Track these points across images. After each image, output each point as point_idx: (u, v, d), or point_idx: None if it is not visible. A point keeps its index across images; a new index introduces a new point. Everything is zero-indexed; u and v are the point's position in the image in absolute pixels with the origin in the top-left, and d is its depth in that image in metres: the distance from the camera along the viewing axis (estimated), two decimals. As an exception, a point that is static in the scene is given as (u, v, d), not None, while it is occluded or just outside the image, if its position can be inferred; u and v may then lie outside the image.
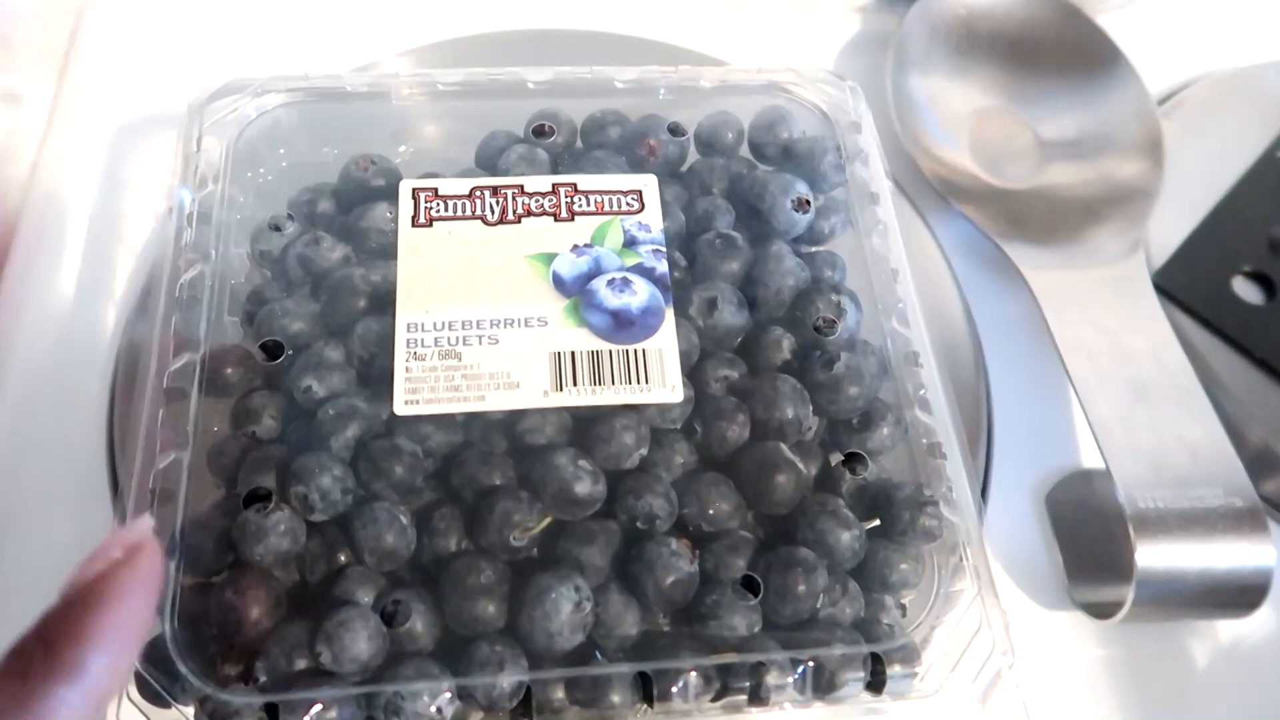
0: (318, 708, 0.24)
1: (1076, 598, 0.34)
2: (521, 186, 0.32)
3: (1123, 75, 0.43)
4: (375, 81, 0.35)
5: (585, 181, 0.33)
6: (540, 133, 0.34)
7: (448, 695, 0.25)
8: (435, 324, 0.30)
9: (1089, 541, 0.34)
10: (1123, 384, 0.34)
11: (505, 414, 0.29)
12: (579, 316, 0.30)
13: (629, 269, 0.31)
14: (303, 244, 0.31)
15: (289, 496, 0.27)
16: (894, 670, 0.26)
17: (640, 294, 0.31)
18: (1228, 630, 0.34)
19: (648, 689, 0.25)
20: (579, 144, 0.35)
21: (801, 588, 0.27)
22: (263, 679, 0.25)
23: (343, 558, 0.27)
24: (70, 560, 0.32)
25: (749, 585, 0.27)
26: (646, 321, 0.30)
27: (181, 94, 0.34)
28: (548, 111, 0.35)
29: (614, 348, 0.30)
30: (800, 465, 0.29)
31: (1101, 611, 0.33)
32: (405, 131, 0.36)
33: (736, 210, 0.34)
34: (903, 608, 0.29)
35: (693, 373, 0.30)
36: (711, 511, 0.28)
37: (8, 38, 0.41)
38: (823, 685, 0.26)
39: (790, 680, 0.26)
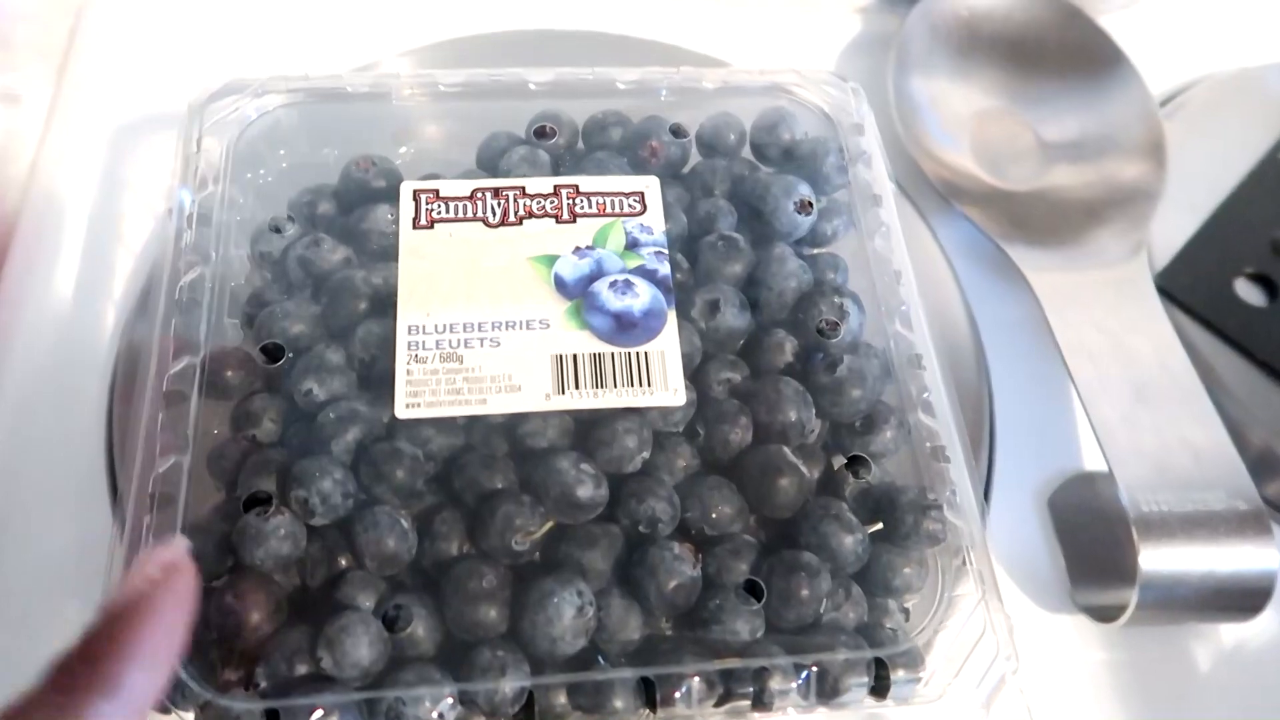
0: (319, 713, 0.24)
1: (1079, 601, 0.34)
2: (523, 188, 0.32)
3: (1125, 77, 0.43)
4: (376, 82, 0.35)
5: (587, 183, 0.33)
6: (542, 134, 0.34)
7: (449, 700, 0.25)
8: (436, 326, 0.30)
9: (1091, 544, 0.34)
10: (1125, 386, 0.34)
11: (507, 417, 0.29)
12: (581, 319, 0.30)
13: (631, 271, 0.31)
14: (303, 246, 0.31)
15: (289, 500, 0.27)
16: (898, 675, 0.26)
17: (642, 296, 0.30)
18: (1231, 634, 0.34)
19: (650, 694, 0.25)
20: (580, 145, 0.35)
21: (804, 592, 0.27)
22: (263, 684, 0.25)
23: (343, 562, 0.27)
24: (69, 561, 0.32)
25: (752, 589, 0.27)
26: (648, 324, 0.30)
27: (181, 94, 0.34)
28: (549, 112, 0.35)
29: (616, 350, 0.29)
30: (803, 468, 0.29)
31: (1104, 615, 0.33)
32: (406, 132, 0.36)
33: (738, 212, 0.34)
34: (906, 612, 0.29)
35: (695, 375, 0.30)
36: (714, 515, 0.28)
37: (7, 37, 0.41)
38: (826, 690, 0.26)
39: (794, 685, 0.26)
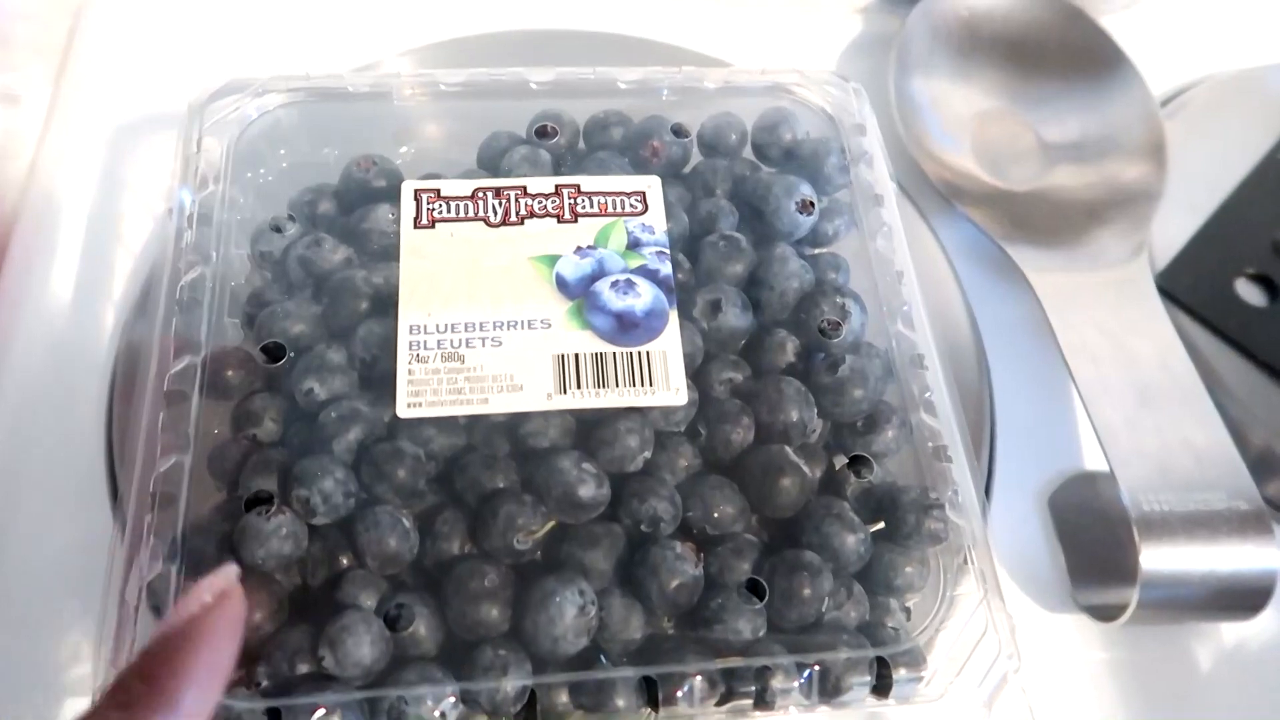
0: (321, 712, 0.24)
1: (1080, 600, 0.34)
2: (524, 188, 0.32)
3: (1126, 77, 0.43)
4: (377, 82, 0.35)
5: (588, 183, 0.33)
6: (543, 133, 0.34)
7: (451, 700, 0.25)
8: (438, 326, 0.30)
9: (1092, 544, 0.34)
10: (1126, 387, 0.34)
11: (508, 417, 0.29)
12: (582, 319, 0.30)
13: (633, 271, 0.31)
14: (304, 245, 0.31)
15: (291, 500, 0.26)
16: (900, 674, 0.26)
17: (644, 296, 0.30)
18: (1232, 633, 0.34)
19: (652, 693, 0.25)
20: (582, 145, 0.35)
21: (806, 591, 0.27)
22: (265, 683, 0.25)
23: (345, 561, 0.27)
24: (69, 561, 0.32)
25: (754, 589, 0.27)
26: (650, 324, 0.30)
27: (180, 94, 0.34)
28: (550, 112, 0.35)
29: (618, 350, 0.29)
30: (805, 468, 0.29)
31: (1105, 614, 0.33)
32: (407, 132, 0.36)
33: (740, 212, 0.34)
34: (908, 611, 0.29)
35: (697, 375, 0.30)
36: (716, 515, 0.28)
37: (6, 36, 0.41)
38: (828, 689, 0.26)
39: (796, 684, 0.26)
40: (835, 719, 0.26)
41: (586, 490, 0.27)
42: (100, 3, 0.45)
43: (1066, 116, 0.43)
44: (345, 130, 0.35)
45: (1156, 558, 0.30)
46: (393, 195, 0.32)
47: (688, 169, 0.35)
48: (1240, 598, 0.31)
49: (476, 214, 0.32)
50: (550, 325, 0.30)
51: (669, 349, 0.30)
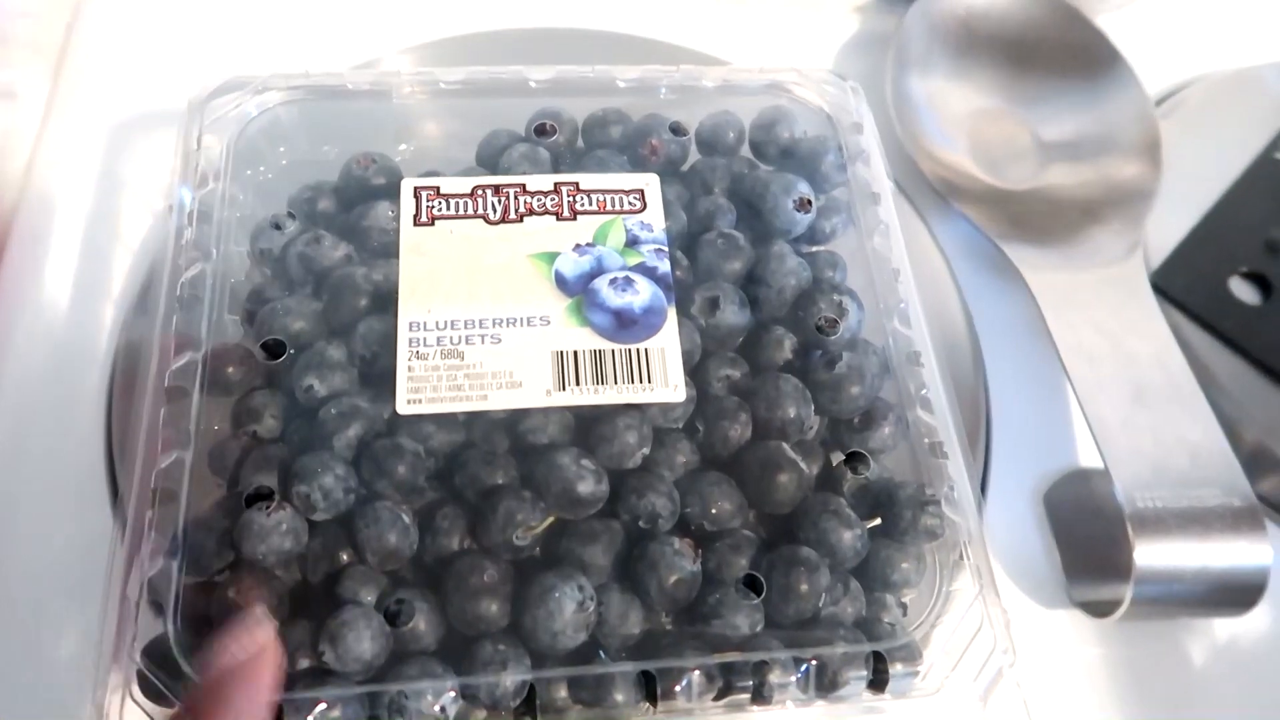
0: (321, 707, 0.24)
1: (1075, 596, 0.34)
2: (523, 185, 0.32)
3: (1121, 77, 0.43)
4: (376, 80, 0.35)
5: (587, 180, 0.33)
6: (542, 131, 0.34)
7: (451, 694, 0.25)
8: (437, 323, 0.30)
9: (1087, 540, 0.35)
10: (1122, 385, 0.34)
11: (508, 413, 0.29)
12: (581, 316, 0.30)
13: (631, 268, 0.31)
14: (304, 242, 0.31)
15: (291, 496, 0.27)
16: (896, 669, 0.26)
17: (642, 293, 0.31)
18: (1225, 628, 0.34)
19: (651, 688, 0.26)
20: (580, 143, 0.35)
21: (804, 587, 0.27)
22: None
23: (345, 557, 0.27)
24: (68, 560, 0.32)
25: (751, 584, 0.27)
26: (649, 321, 0.30)
27: (178, 91, 0.34)
28: (549, 110, 0.35)
29: (616, 347, 0.30)
30: (802, 465, 0.29)
31: (1100, 610, 0.33)
32: (406, 130, 0.36)
33: (737, 210, 0.34)
34: (904, 606, 0.29)
35: (695, 372, 0.30)
36: (714, 511, 0.28)
37: (4, 33, 0.41)
38: (825, 684, 0.26)
39: (793, 679, 0.26)
40: (832, 713, 0.27)
41: (585, 486, 0.27)
42: (99, 0, 0.45)
43: (1062, 115, 0.43)
44: (345, 128, 0.35)
45: (1150, 554, 0.31)
46: (392, 193, 0.32)
47: (686, 167, 0.35)
48: (1233, 594, 0.32)
49: (476, 211, 0.32)
50: (549, 322, 0.30)
51: (667, 346, 0.30)
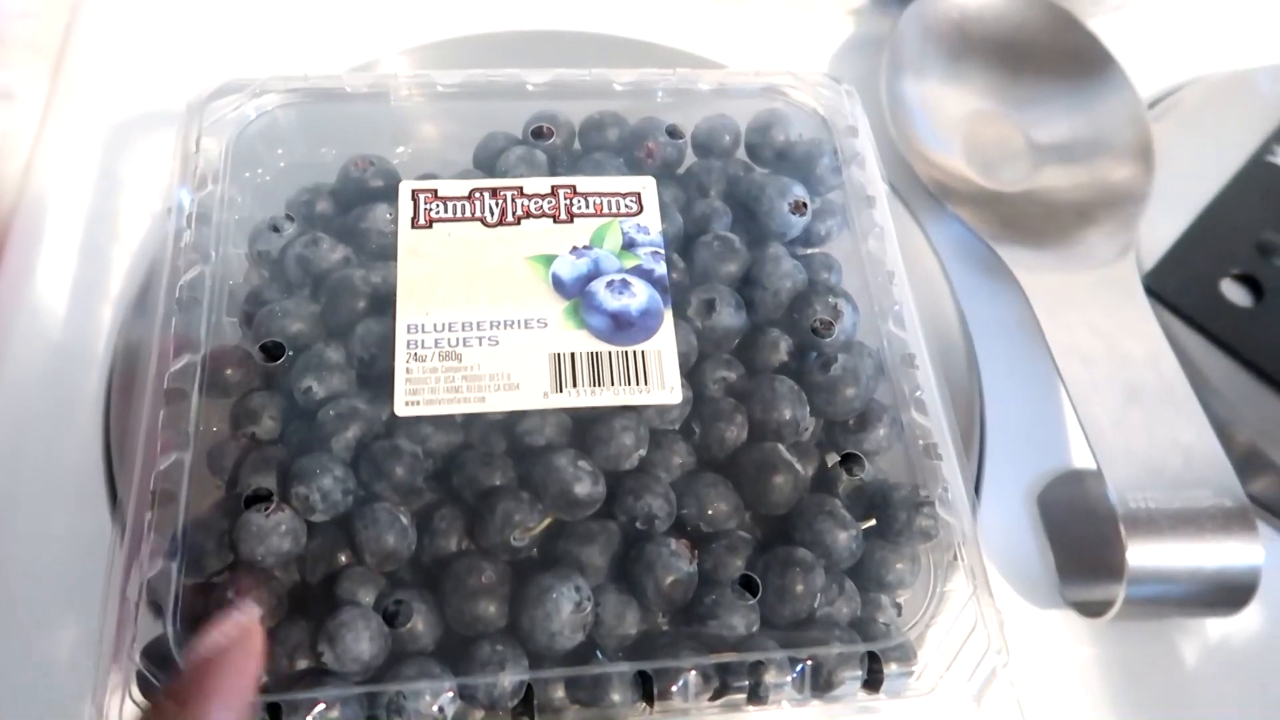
0: (320, 707, 0.24)
1: (1068, 596, 0.34)
2: (521, 188, 0.33)
3: (1114, 80, 0.44)
4: (374, 82, 0.35)
5: (584, 183, 0.33)
6: (539, 134, 0.35)
7: (449, 695, 0.25)
8: (435, 325, 0.30)
9: (1080, 541, 0.35)
10: (1115, 386, 0.34)
11: (505, 415, 0.29)
12: (578, 318, 0.30)
13: (628, 271, 0.31)
14: (302, 245, 0.32)
15: (290, 497, 0.27)
16: (890, 669, 0.27)
17: (639, 296, 0.31)
18: (1217, 628, 0.34)
19: (648, 688, 0.26)
20: (577, 146, 0.36)
21: (799, 587, 0.27)
22: (265, 679, 0.25)
23: (343, 558, 0.27)
24: (67, 562, 0.32)
25: (747, 585, 0.27)
26: (645, 323, 0.30)
27: (176, 93, 0.34)
28: (546, 113, 0.35)
29: (613, 349, 0.30)
30: (798, 466, 0.29)
31: (1092, 610, 0.33)
32: (404, 132, 0.36)
33: (733, 213, 0.34)
34: (898, 607, 0.29)
35: (691, 374, 0.31)
36: (710, 512, 0.28)
37: (2, 34, 0.41)
38: (820, 684, 0.26)
39: (789, 679, 0.26)
40: (827, 713, 0.27)
41: (582, 488, 0.27)
42: (97, 1, 0.45)
43: (1056, 118, 0.44)
44: (343, 130, 0.35)
45: (1143, 554, 0.31)
46: (390, 195, 0.32)
47: (682, 170, 0.35)
48: (1225, 594, 0.32)
49: (473, 214, 0.32)
50: (546, 325, 0.30)
51: (664, 348, 0.30)
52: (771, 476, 0.29)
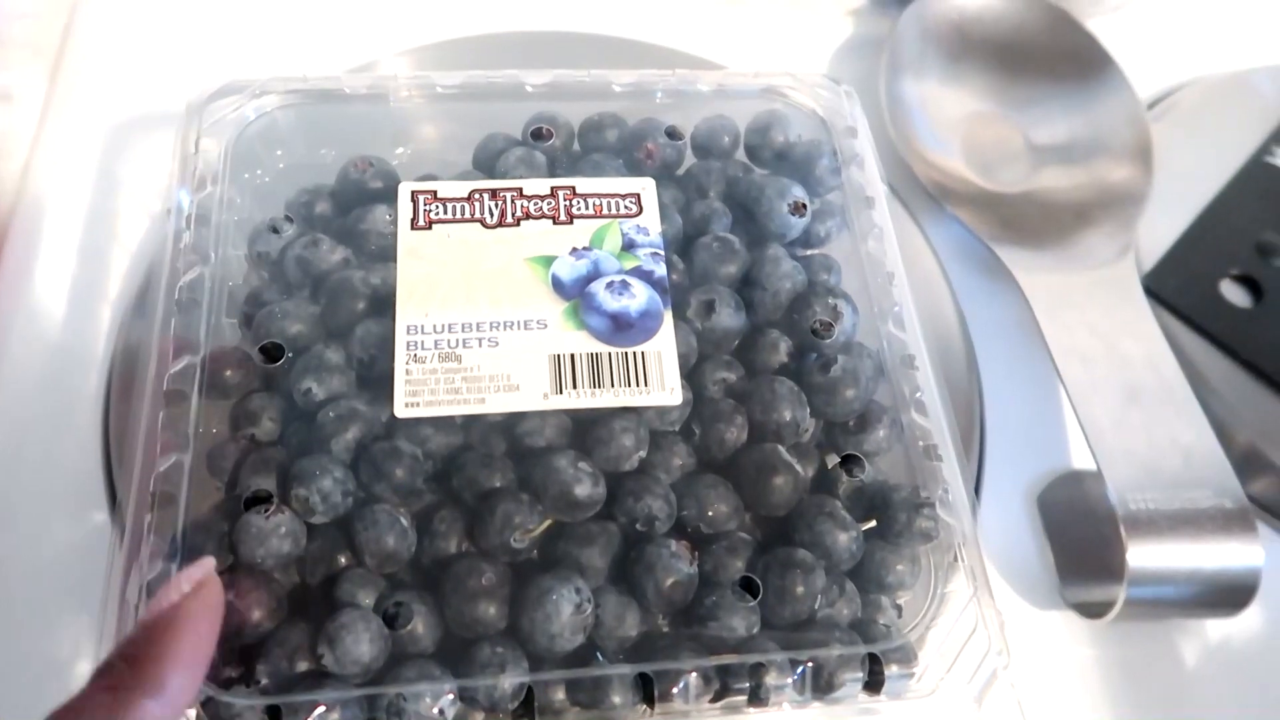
0: (320, 709, 0.24)
1: (1068, 597, 0.34)
2: (520, 189, 0.33)
3: (1113, 81, 0.44)
4: (374, 83, 0.35)
5: (584, 184, 0.33)
6: (538, 135, 0.35)
7: (450, 696, 0.25)
8: (435, 326, 0.30)
9: (1080, 542, 0.35)
10: (1114, 386, 0.34)
11: (505, 416, 0.29)
12: (578, 319, 0.30)
13: (628, 272, 0.31)
14: (301, 246, 0.31)
15: (290, 498, 0.27)
16: (891, 670, 0.27)
17: (639, 297, 0.31)
18: (1217, 629, 0.34)
19: (648, 690, 0.26)
20: (577, 147, 0.36)
21: (800, 589, 0.27)
22: (264, 681, 0.25)
23: (343, 560, 0.27)
24: (65, 563, 0.32)
25: (748, 586, 0.27)
26: (645, 324, 0.30)
27: (175, 94, 0.34)
28: (546, 114, 0.35)
29: (613, 350, 0.30)
30: (798, 467, 0.29)
31: (1093, 611, 0.33)
32: (403, 133, 0.36)
33: (733, 214, 0.34)
34: (899, 608, 0.29)
35: (691, 375, 0.31)
36: (710, 513, 0.28)
37: (1, 35, 0.41)
38: (821, 685, 0.26)
39: (789, 681, 0.26)
40: (828, 715, 0.27)
41: (582, 489, 0.27)
42: (96, 1, 0.45)
43: (1055, 119, 0.44)
44: (342, 131, 0.35)
45: (1143, 555, 0.31)
46: (389, 196, 0.32)
47: (681, 171, 0.36)
48: (1225, 595, 0.32)
49: (473, 215, 0.32)
50: (546, 326, 0.30)
51: (664, 349, 0.30)
52: (771, 478, 0.29)
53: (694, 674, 0.26)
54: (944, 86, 0.44)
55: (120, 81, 0.43)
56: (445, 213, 0.32)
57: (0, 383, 0.36)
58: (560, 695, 0.26)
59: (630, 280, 0.31)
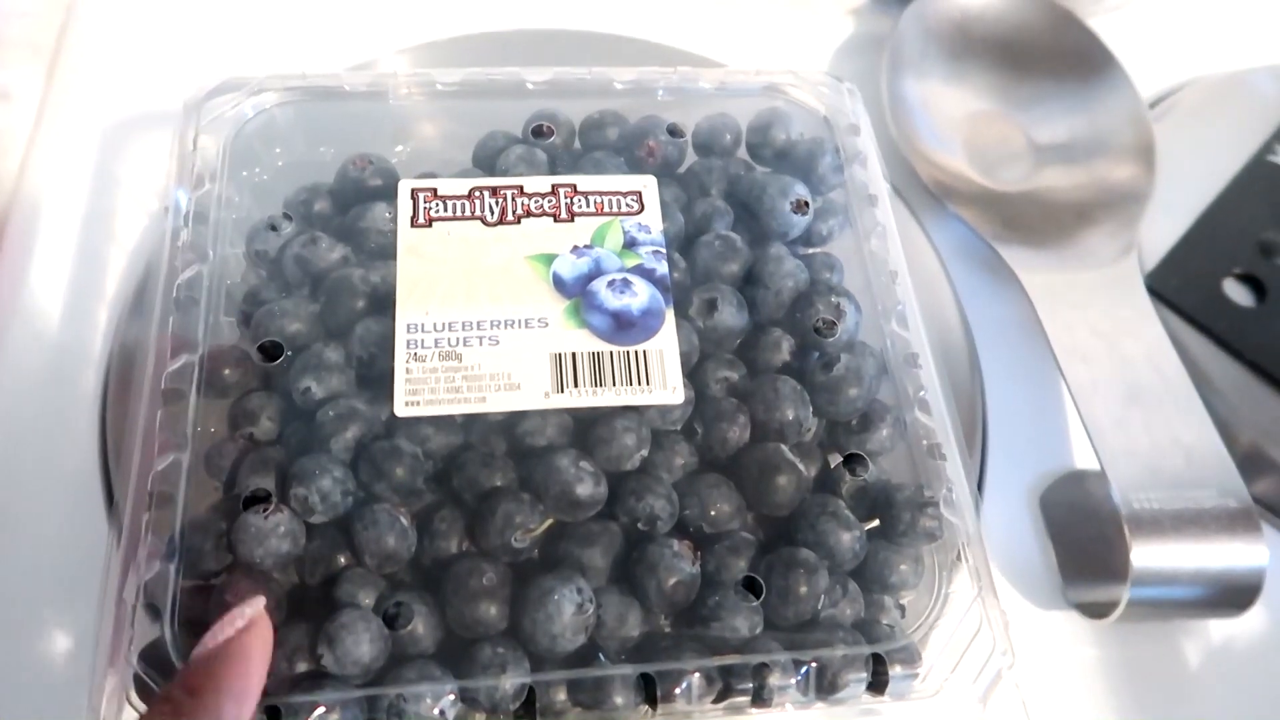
0: (320, 710, 0.24)
1: (1071, 598, 0.34)
2: (521, 187, 0.32)
3: (1115, 80, 0.43)
4: (373, 81, 0.35)
5: (585, 182, 0.33)
6: (539, 133, 0.34)
7: (450, 697, 0.25)
8: (435, 325, 0.30)
9: (1083, 542, 0.35)
10: (1118, 387, 0.34)
11: (506, 415, 0.29)
12: (579, 318, 0.30)
13: (629, 270, 0.31)
14: (300, 244, 0.31)
15: (289, 498, 0.27)
16: (895, 671, 0.26)
17: (640, 295, 0.31)
18: (1221, 629, 0.34)
19: (650, 690, 0.25)
20: (577, 145, 0.35)
21: (803, 589, 0.27)
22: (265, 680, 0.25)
23: (343, 560, 0.27)
24: (63, 564, 0.32)
25: (750, 586, 0.27)
26: (647, 323, 0.30)
27: (172, 91, 0.34)
28: (546, 112, 0.35)
29: (615, 349, 0.30)
30: (800, 466, 0.29)
31: (1096, 611, 0.33)
32: (403, 131, 0.36)
33: (734, 212, 0.34)
34: (902, 608, 0.29)
35: (693, 374, 0.30)
36: (713, 513, 0.28)
37: (-2, 34, 0.41)
38: (825, 686, 0.26)
39: (792, 681, 0.26)
40: (831, 715, 0.27)
41: (584, 488, 0.27)
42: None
43: (1056, 118, 0.44)
44: (341, 129, 0.35)
45: (1147, 555, 0.31)
46: (388, 194, 0.32)
47: (683, 169, 0.35)
48: (1229, 595, 0.32)
49: (473, 213, 0.32)
50: (547, 324, 0.30)
51: (665, 348, 0.30)
52: (774, 477, 0.28)
53: (697, 674, 0.26)
54: (946, 85, 0.44)
55: (117, 79, 0.43)
56: (445, 210, 0.32)
57: (-3, 382, 0.35)
58: (562, 696, 0.26)
59: (632, 278, 0.31)
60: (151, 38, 0.44)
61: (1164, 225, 0.41)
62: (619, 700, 0.25)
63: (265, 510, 0.26)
